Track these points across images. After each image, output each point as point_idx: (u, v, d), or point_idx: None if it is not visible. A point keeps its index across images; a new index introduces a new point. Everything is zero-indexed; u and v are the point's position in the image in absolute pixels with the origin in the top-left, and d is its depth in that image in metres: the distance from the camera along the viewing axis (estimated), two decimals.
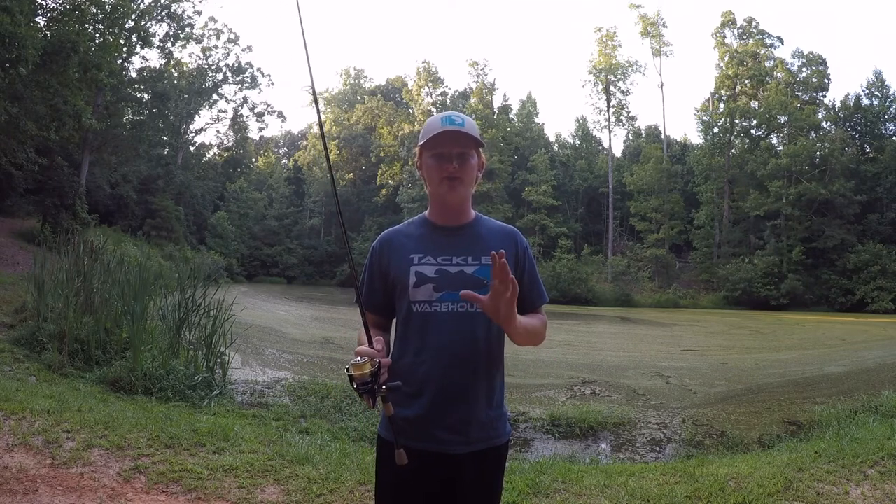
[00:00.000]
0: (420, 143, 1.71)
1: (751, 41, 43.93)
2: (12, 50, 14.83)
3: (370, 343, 1.53)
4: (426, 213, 1.80)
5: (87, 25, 20.80)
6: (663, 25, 47.33)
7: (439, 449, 1.61)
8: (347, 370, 1.46)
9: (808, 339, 17.15)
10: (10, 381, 5.39)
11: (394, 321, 1.78)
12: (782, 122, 42.20)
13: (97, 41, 21.58)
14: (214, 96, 44.84)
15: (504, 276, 1.42)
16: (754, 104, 43.57)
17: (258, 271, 48.30)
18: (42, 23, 19.02)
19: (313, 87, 1.63)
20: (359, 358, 1.46)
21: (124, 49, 25.87)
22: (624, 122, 51.17)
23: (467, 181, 1.70)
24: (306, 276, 50.59)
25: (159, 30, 34.08)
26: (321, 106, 60.86)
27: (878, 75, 42.50)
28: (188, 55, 45.73)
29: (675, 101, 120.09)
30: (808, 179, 38.13)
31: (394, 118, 53.14)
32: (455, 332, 1.62)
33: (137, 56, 30.11)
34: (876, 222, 38.03)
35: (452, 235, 1.73)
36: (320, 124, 1.76)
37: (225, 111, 46.60)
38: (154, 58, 52.91)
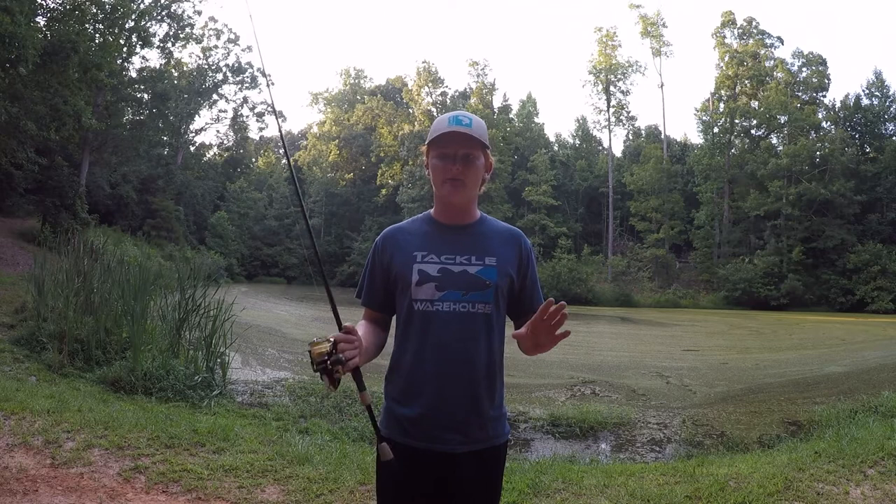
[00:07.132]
0: (427, 142, 1.70)
1: (751, 41, 43.92)
2: (12, 50, 14.82)
3: (340, 328, 1.53)
4: (431, 210, 1.78)
5: (87, 25, 20.77)
6: (663, 25, 47.40)
7: (439, 448, 1.61)
8: (308, 349, 1.49)
9: (808, 339, 17.13)
10: (10, 381, 5.39)
11: (393, 319, 1.77)
12: (782, 122, 42.18)
13: (97, 41, 21.55)
14: (214, 96, 44.92)
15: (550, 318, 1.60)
16: (754, 104, 43.54)
17: (258, 271, 48.32)
18: (42, 23, 18.99)
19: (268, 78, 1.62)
20: (316, 337, 1.50)
21: (124, 49, 25.81)
22: (624, 122, 51.30)
23: (470, 183, 1.68)
24: (306, 276, 50.50)
25: (159, 30, 34.13)
26: (321, 106, 60.95)
27: (878, 75, 42.52)
28: (188, 55, 45.77)
29: (675, 101, 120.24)
30: (808, 179, 38.11)
31: (394, 118, 53.10)
32: (456, 332, 1.62)
33: (137, 56, 30.06)
34: (876, 222, 38.02)
35: (457, 235, 1.71)
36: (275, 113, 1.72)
37: (225, 111, 46.71)
38: (154, 58, 52.83)
